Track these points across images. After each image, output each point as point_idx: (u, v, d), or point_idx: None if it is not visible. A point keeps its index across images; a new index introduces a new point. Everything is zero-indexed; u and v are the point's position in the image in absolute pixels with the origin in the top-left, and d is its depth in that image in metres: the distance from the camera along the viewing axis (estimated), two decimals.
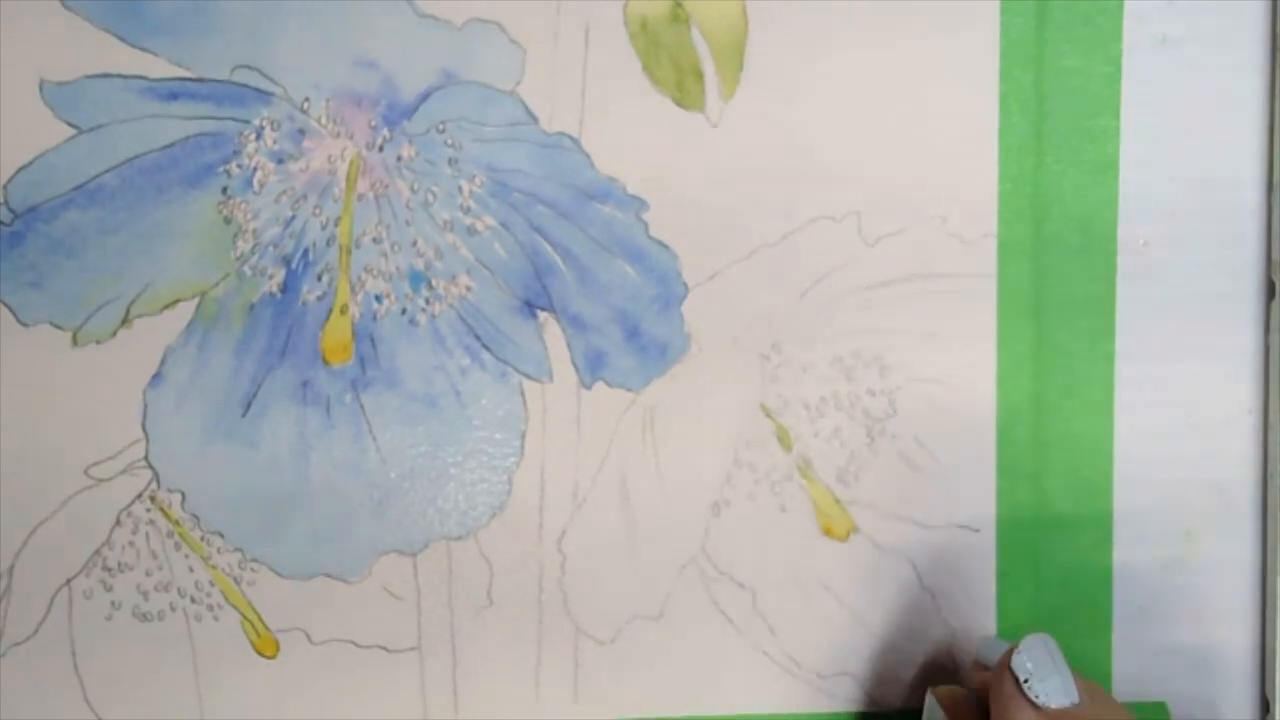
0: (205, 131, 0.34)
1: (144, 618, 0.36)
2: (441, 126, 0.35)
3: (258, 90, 0.34)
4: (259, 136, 0.35)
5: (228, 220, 0.35)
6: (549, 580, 0.36)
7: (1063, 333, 0.36)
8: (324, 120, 0.35)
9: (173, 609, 0.36)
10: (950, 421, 0.36)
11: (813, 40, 0.35)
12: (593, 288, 0.35)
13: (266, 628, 0.36)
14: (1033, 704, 0.31)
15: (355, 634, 0.36)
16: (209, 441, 0.35)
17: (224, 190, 0.35)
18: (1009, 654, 0.32)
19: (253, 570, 0.36)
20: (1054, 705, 0.31)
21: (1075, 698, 0.31)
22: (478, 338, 0.35)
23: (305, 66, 0.34)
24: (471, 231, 0.35)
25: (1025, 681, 0.31)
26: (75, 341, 0.35)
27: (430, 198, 0.35)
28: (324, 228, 0.35)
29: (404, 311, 0.35)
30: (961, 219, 0.35)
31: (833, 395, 0.36)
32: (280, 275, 0.35)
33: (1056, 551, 0.36)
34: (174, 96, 0.34)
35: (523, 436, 0.36)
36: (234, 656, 0.36)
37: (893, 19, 0.35)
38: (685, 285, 0.35)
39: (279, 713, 0.37)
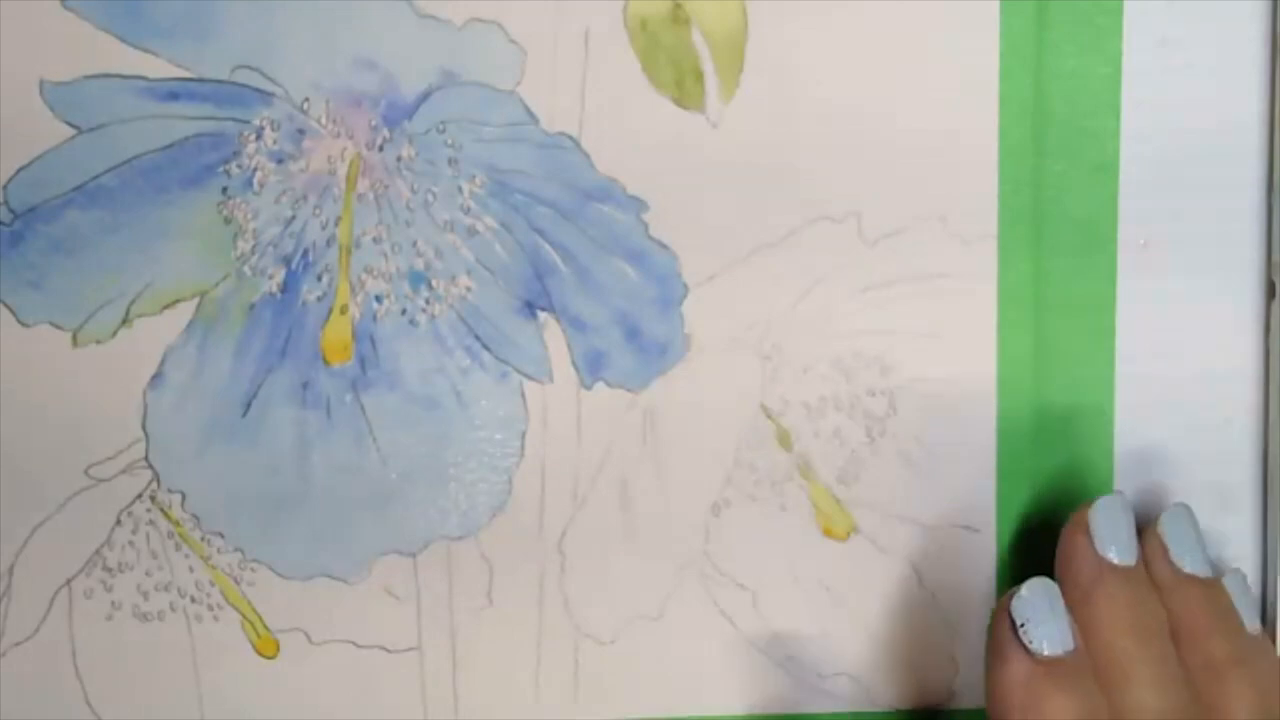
0: (205, 132, 0.34)
1: (144, 618, 0.36)
2: (442, 127, 0.35)
3: (258, 90, 0.34)
4: (259, 137, 0.35)
5: (228, 220, 0.35)
6: (549, 580, 0.36)
7: (1063, 333, 0.36)
8: (324, 120, 0.35)
9: (173, 609, 0.36)
10: (950, 421, 0.36)
11: (813, 41, 0.35)
12: (593, 288, 0.35)
13: (266, 628, 0.36)
14: (1026, 649, 0.31)
15: (355, 634, 0.36)
16: (209, 441, 0.35)
17: (224, 190, 0.35)
18: (1010, 596, 0.32)
19: (252, 570, 0.36)
20: (1046, 652, 0.31)
21: (1070, 645, 0.31)
22: (478, 338, 0.35)
23: (305, 66, 0.34)
24: (471, 232, 0.35)
25: (1021, 626, 0.31)
26: (75, 341, 0.35)
27: (430, 198, 0.35)
28: (324, 228, 0.35)
29: (404, 312, 0.35)
30: (961, 219, 0.35)
31: (833, 395, 0.36)
32: (280, 275, 0.35)
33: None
34: (174, 96, 0.34)
35: (523, 436, 0.36)
36: (234, 656, 0.36)
37: (893, 23, 0.35)
38: (685, 285, 0.35)
39: (279, 713, 0.37)
